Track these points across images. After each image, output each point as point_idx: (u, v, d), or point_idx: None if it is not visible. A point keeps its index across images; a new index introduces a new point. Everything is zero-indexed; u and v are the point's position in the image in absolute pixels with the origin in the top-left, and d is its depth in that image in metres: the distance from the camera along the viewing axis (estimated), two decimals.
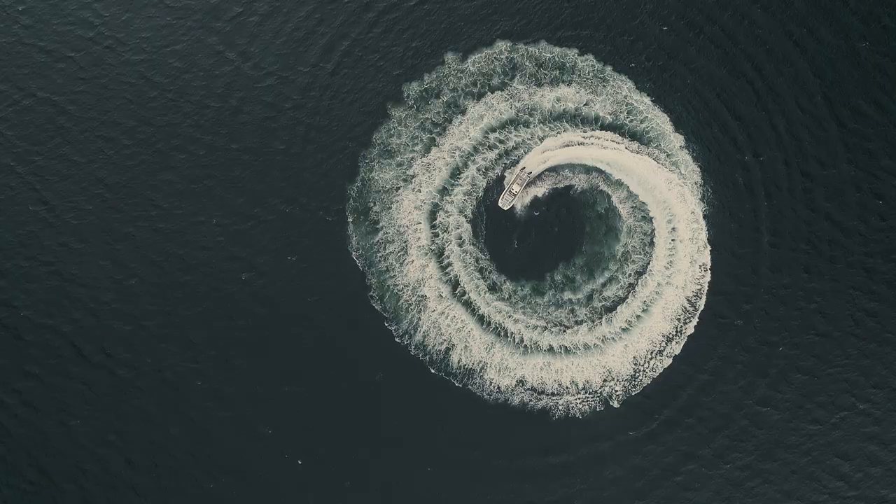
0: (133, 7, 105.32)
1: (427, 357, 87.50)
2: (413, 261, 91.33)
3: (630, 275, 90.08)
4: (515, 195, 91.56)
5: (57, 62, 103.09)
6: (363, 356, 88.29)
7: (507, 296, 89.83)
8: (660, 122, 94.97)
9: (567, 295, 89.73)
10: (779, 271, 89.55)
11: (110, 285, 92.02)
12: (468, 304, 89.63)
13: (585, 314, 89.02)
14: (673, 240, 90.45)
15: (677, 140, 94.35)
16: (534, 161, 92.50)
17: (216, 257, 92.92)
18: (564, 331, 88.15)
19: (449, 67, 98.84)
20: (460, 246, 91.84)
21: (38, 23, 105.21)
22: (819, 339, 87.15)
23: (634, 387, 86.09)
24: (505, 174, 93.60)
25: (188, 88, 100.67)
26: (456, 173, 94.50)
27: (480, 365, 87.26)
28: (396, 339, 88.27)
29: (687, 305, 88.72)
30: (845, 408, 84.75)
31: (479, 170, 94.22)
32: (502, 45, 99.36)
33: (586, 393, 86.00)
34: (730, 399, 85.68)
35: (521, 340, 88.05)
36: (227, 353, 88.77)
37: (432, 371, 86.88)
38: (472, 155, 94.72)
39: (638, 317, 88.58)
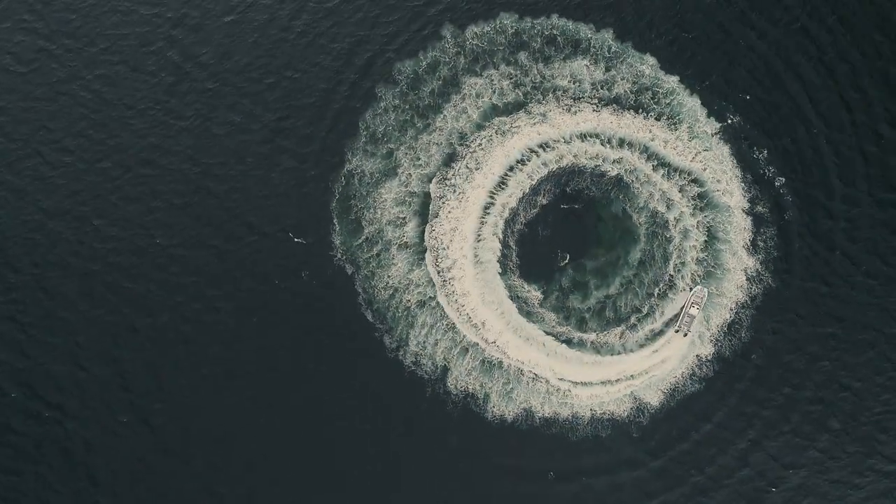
0: (89, 14, 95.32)
1: (422, 374, 77.64)
2: (399, 264, 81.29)
3: (650, 284, 79.81)
4: (694, 317, 78.84)
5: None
6: (357, 371, 78.57)
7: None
8: (689, 104, 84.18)
9: (575, 303, 79.68)
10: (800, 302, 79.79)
11: (77, 321, 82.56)
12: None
13: (598, 326, 78.94)
14: (708, 243, 79.87)
15: (710, 126, 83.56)
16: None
17: (199, 282, 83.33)
18: (570, 342, 78.12)
19: (447, 43, 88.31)
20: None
21: None
22: (846, 395, 77.30)
23: (657, 415, 76.18)
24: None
25: (148, 102, 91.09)
26: (452, 162, 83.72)
27: (480, 386, 77.37)
28: (389, 354, 78.39)
29: (721, 323, 78.55)
30: (871, 469, 75.39)
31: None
32: (507, 18, 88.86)
33: (602, 417, 76.30)
34: (746, 453, 76.58)
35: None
36: (210, 378, 79.88)
37: (428, 390, 77.10)
38: (474, 141, 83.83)
39: (662, 332, 78.22)
